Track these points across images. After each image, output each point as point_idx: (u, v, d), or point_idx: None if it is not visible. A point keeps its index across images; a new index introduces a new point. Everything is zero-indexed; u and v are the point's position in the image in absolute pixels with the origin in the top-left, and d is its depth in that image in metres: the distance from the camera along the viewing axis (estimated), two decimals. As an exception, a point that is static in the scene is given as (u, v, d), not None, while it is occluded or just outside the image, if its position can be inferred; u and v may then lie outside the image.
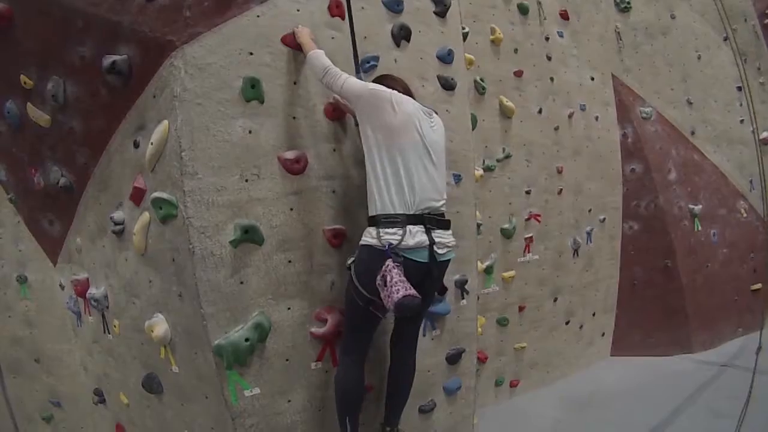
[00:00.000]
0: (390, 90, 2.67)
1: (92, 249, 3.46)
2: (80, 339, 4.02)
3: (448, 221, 2.75)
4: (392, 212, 2.57)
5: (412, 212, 2.59)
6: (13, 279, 4.25)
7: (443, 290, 2.96)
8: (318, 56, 2.68)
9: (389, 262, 2.46)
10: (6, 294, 4.26)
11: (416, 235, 2.57)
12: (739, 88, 6.63)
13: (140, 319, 3.04)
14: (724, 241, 6.23)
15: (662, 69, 6.25)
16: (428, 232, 2.62)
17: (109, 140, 3.04)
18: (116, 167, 3.04)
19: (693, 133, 6.32)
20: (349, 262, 2.79)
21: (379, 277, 2.46)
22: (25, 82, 3.22)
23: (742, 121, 6.71)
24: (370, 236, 2.58)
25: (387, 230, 2.55)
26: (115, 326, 3.40)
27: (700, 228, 6.02)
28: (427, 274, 2.64)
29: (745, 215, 6.54)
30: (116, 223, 3.06)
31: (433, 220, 2.65)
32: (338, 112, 2.93)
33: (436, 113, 2.88)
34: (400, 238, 2.53)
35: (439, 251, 2.65)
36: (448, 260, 2.76)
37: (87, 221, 3.44)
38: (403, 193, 2.58)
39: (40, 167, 3.59)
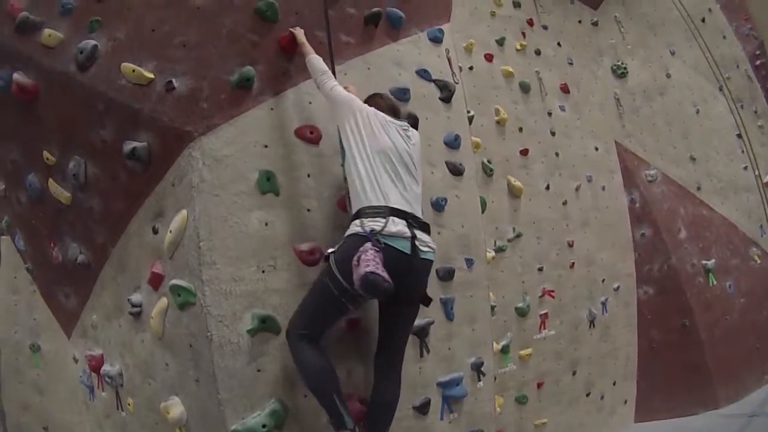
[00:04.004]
0: (366, 105, 2.87)
1: (108, 327, 3.48)
2: (92, 412, 3.99)
3: (427, 224, 2.82)
4: (376, 204, 2.65)
5: (393, 206, 2.66)
6: (25, 346, 4.27)
7: (427, 300, 2.88)
8: (319, 60, 2.88)
9: (368, 244, 2.50)
10: (18, 360, 4.28)
11: (398, 225, 2.62)
12: (739, 135, 6.71)
13: (155, 399, 3.03)
14: (740, 291, 6.18)
15: (663, 129, 6.33)
16: (410, 226, 2.66)
17: (128, 223, 3.09)
18: (134, 250, 3.08)
19: (699, 188, 6.35)
20: (328, 251, 2.71)
21: (354, 258, 2.46)
22: (47, 158, 3.30)
23: (745, 167, 6.75)
24: (354, 226, 2.62)
25: (370, 219, 2.61)
26: (129, 404, 3.38)
27: (715, 282, 5.97)
28: (409, 268, 2.63)
29: (758, 261, 6.51)
30: (134, 305, 3.08)
31: (416, 220, 2.72)
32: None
33: (415, 128, 3.04)
34: (383, 224, 2.58)
35: (421, 247, 2.69)
36: (430, 261, 2.79)
37: (103, 299, 3.47)
38: (381, 190, 2.68)
39: (59, 242, 3.65)
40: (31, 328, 4.28)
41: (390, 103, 3.04)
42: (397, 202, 2.68)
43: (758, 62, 7.50)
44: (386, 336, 2.85)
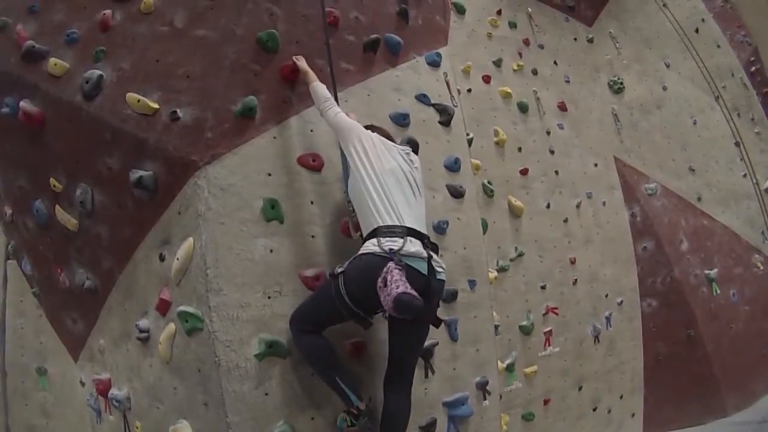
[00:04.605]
0: (368, 131, 2.93)
1: (115, 351, 3.52)
2: (100, 435, 4.03)
3: (437, 245, 2.84)
4: (391, 223, 2.65)
5: (408, 226, 2.66)
6: (32, 369, 4.30)
7: (438, 321, 2.87)
8: (322, 87, 2.95)
9: (391, 264, 2.47)
10: (24, 383, 4.30)
11: (416, 245, 2.63)
12: (737, 144, 6.76)
13: (163, 423, 3.05)
14: (744, 299, 6.21)
15: (661, 142, 6.37)
16: (425, 246, 2.67)
17: (134, 250, 3.13)
18: (141, 276, 3.13)
19: (699, 199, 6.38)
20: (338, 270, 2.67)
21: (380, 280, 2.44)
22: (54, 185, 3.34)
23: (744, 175, 6.80)
24: (371, 245, 2.62)
25: (388, 239, 2.60)
26: (137, 427, 3.40)
27: (718, 291, 6.00)
28: (427, 289, 2.59)
29: (761, 268, 6.53)
30: (141, 331, 3.12)
31: (429, 242, 2.73)
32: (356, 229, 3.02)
33: (415, 153, 3.09)
34: (401, 244, 2.58)
35: (437, 268, 2.69)
36: (443, 282, 2.78)
37: (111, 324, 3.50)
38: (394, 211, 2.69)
39: (66, 267, 3.68)
40: (37, 352, 4.31)
41: (385, 132, 3.09)
42: (411, 222, 2.70)
43: (753, 69, 7.55)
44: (397, 357, 2.84)
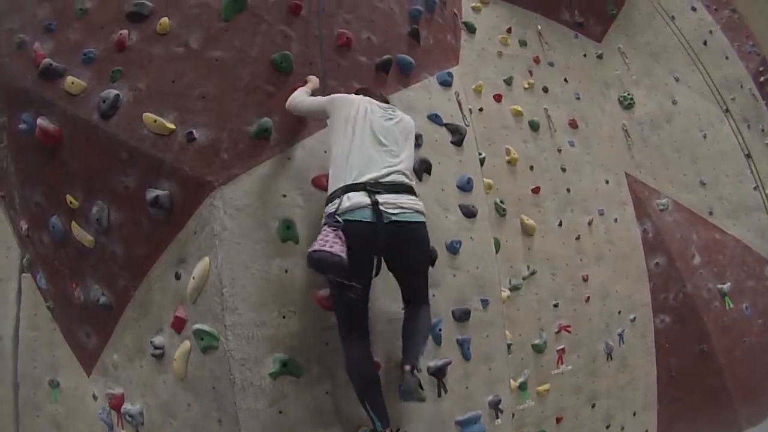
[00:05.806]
0: (348, 95, 2.92)
1: (129, 367, 3.54)
2: (111, 449, 4.04)
3: (406, 186, 2.76)
4: (333, 191, 2.68)
5: (350, 182, 2.65)
6: (44, 381, 4.29)
7: (432, 262, 2.88)
8: (296, 92, 2.94)
9: (324, 227, 2.54)
10: (36, 394, 4.30)
11: (353, 198, 2.62)
12: (748, 155, 6.74)
13: (177, 438, 3.09)
14: (757, 312, 6.15)
15: (672, 157, 6.36)
16: (370, 194, 2.64)
17: (150, 268, 3.16)
18: (156, 294, 3.16)
19: (711, 212, 6.35)
20: None
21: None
22: (70, 202, 3.37)
23: (755, 187, 6.74)
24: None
25: (329, 205, 2.65)
26: (149, 443, 3.43)
27: (731, 305, 5.97)
28: (378, 232, 2.61)
29: None
30: (156, 347, 3.15)
31: (379, 186, 2.67)
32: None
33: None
34: (337, 204, 2.60)
35: (389, 210, 2.65)
36: (414, 222, 2.73)
37: (125, 340, 3.53)
38: (346, 171, 2.67)
39: (81, 283, 3.70)
40: (50, 364, 4.32)
41: (371, 92, 3.07)
42: (359, 174, 2.67)
43: (762, 79, 7.49)
44: (406, 292, 2.89)
